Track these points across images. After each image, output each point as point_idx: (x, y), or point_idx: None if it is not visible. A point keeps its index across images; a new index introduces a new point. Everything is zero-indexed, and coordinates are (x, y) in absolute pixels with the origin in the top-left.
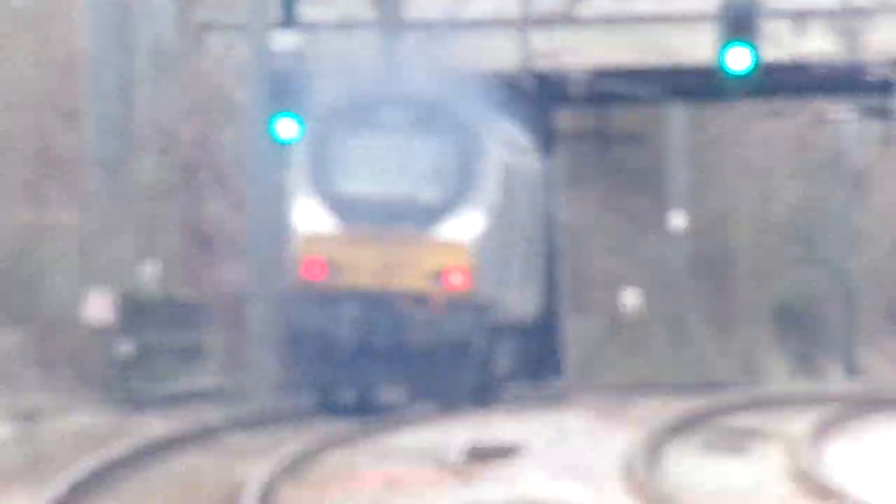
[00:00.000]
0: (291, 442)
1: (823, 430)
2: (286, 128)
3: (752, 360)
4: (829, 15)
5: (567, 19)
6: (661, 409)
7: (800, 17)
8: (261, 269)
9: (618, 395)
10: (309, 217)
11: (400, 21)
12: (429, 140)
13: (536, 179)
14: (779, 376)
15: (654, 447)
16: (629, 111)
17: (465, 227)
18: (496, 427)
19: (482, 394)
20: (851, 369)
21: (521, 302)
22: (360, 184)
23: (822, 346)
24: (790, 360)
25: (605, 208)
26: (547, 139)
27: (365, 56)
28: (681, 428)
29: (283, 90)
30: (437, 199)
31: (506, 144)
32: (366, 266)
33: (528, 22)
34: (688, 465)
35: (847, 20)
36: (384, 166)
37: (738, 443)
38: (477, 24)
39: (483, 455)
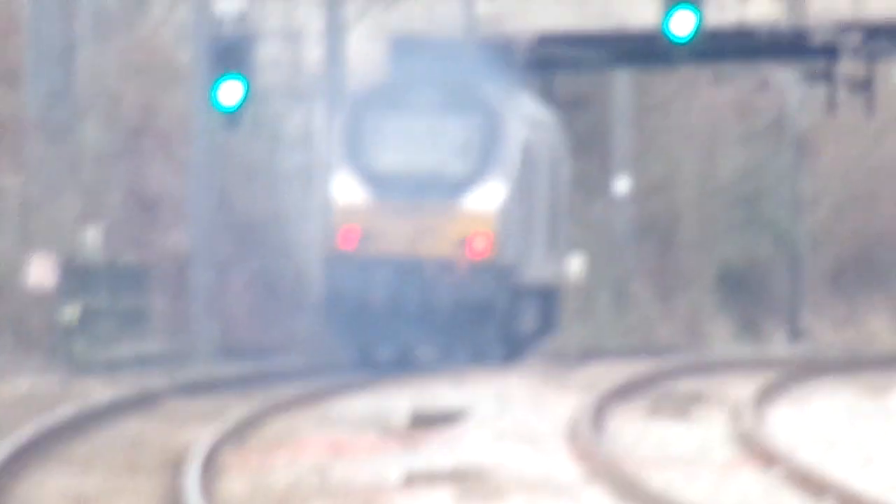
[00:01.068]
0: (235, 407)
1: (767, 395)
2: (230, 92)
3: (695, 324)
4: None
5: None
6: (606, 374)
7: None
8: (204, 234)
9: (562, 359)
10: (345, 190)
11: None
12: (454, 118)
13: (556, 151)
14: (723, 340)
15: (599, 412)
16: (573, 76)
17: (489, 197)
18: (440, 393)
19: (508, 351)
20: (795, 333)
21: (544, 266)
22: (391, 159)
23: (766, 309)
24: (734, 323)
25: None
26: None
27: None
28: (625, 393)
29: (226, 53)
30: (463, 172)
31: (526, 119)
32: (397, 234)
33: None
34: (632, 430)
35: None
36: (413, 143)
37: (682, 407)
38: None
39: (427, 421)
